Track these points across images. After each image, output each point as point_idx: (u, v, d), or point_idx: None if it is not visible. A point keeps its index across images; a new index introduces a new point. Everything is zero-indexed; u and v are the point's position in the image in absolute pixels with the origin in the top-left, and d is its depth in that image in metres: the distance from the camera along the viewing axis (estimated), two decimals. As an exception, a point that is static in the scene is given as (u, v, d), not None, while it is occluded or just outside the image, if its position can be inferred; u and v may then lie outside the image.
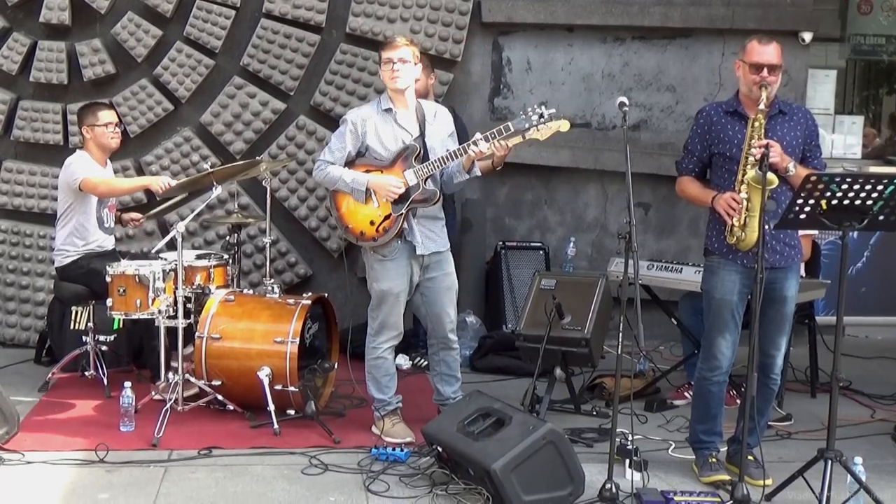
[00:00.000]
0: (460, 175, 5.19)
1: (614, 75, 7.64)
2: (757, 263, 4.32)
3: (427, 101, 5.45)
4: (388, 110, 5.22)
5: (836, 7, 8.28)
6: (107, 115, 6.13)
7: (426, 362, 6.62)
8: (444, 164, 5.12)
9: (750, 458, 4.70)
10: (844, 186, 4.12)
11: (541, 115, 5.03)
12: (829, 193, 4.14)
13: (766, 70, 4.53)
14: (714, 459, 4.83)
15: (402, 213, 5.12)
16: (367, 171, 5.17)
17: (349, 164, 5.22)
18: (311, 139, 7.19)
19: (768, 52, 4.57)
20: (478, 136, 5.04)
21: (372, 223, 5.16)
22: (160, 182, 5.96)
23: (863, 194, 4.15)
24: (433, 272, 5.30)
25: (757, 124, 4.50)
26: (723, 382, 4.79)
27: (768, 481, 4.54)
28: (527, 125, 5.06)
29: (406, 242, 5.19)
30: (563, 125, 5.12)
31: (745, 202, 4.48)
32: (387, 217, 5.13)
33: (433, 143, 5.23)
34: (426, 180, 5.14)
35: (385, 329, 5.29)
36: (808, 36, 7.62)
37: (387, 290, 5.21)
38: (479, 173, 5.25)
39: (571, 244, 7.37)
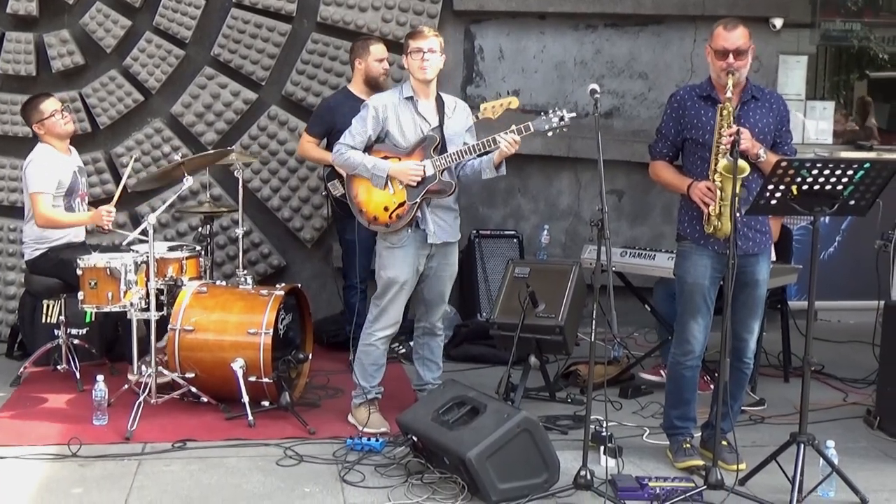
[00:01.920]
0: (490, 171, 5.20)
1: (587, 63, 7.64)
2: (728, 249, 4.34)
3: (447, 94, 5.41)
4: (410, 98, 5.20)
5: (806, -7, 8.33)
6: (49, 105, 6.05)
7: (403, 350, 6.62)
8: (462, 157, 5.13)
9: (724, 442, 4.73)
10: (815, 172, 4.15)
11: (561, 118, 5.03)
12: (799, 179, 4.17)
13: (731, 56, 4.52)
14: (688, 445, 4.85)
15: (416, 202, 5.12)
16: (386, 158, 5.16)
17: (367, 149, 5.20)
18: (283, 129, 7.16)
19: (734, 37, 4.55)
20: (508, 131, 5.01)
21: (386, 209, 5.15)
22: (103, 216, 5.88)
23: (833, 179, 4.18)
24: (438, 260, 5.32)
25: (725, 112, 4.48)
26: (696, 367, 4.82)
27: (742, 466, 4.58)
28: (546, 126, 5.06)
29: (417, 231, 5.19)
30: (513, 102, 5.44)
31: (719, 192, 4.49)
32: (401, 204, 5.13)
33: (451, 135, 5.24)
34: (443, 172, 5.14)
35: (384, 317, 5.27)
36: (778, 22, 7.65)
37: (392, 278, 5.20)
38: (504, 172, 5.25)
39: (545, 232, 7.37)
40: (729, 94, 4.49)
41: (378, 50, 6.32)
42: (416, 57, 5.12)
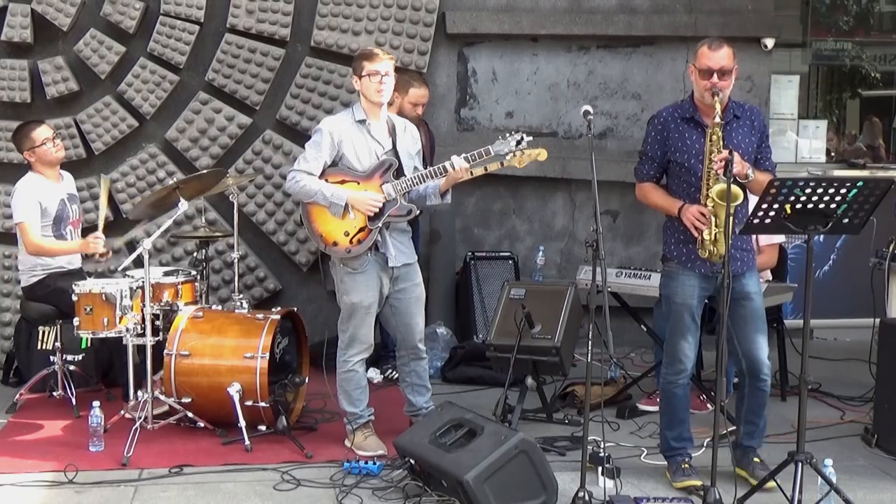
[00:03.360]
0: (435, 197, 5.23)
1: (580, 84, 7.67)
2: (715, 270, 4.44)
3: (395, 116, 5.42)
4: (363, 121, 5.18)
5: (797, 13, 8.36)
6: (42, 133, 6.05)
7: (396, 374, 6.60)
8: (423, 180, 5.13)
9: (757, 459, 4.73)
10: (808, 190, 4.16)
11: (518, 142, 5.07)
12: (793, 198, 4.18)
13: (716, 75, 4.52)
14: (686, 465, 4.84)
15: (378, 227, 5.12)
16: (343, 182, 5.13)
17: (322, 173, 5.18)
18: (278, 153, 7.17)
19: (718, 56, 4.55)
20: (455, 157, 5.06)
21: (346, 234, 5.13)
22: (94, 246, 5.90)
23: (826, 198, 4.19)
24: (403, 283, 5.30)
25: (715, 137, 4.50)
26: (687, 385, 4.82)
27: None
28: (505, 150, 5.09)
29: (377, 254, 5.19)
30: (542, 154, 5.18)
31: (713, 217, 4.51)
32: (361, 229, 5.12)
33: (403, 157, 5.23)
34: (404, 195, 5.14)
35: (355, 342, 5.27)
36: (770, 42, 7.69)
37: (357, 303, 5.19)
38: (449, 200, 5.28)
39: (540, 253, 7.38)
40: (718, 119, 4.50)
41: (415, 95, 6.28)
42: (374, 80, 5.09)
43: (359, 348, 5.28)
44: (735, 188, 4.34)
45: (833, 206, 4.21)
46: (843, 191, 4.18)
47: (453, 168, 5.05)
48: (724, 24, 7.59)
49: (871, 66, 9.73)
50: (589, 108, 4.59)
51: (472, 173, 5.11)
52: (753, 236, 4.77)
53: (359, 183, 5.13)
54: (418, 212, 5.25)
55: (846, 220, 4.30)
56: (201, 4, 7.01)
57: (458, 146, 6.87)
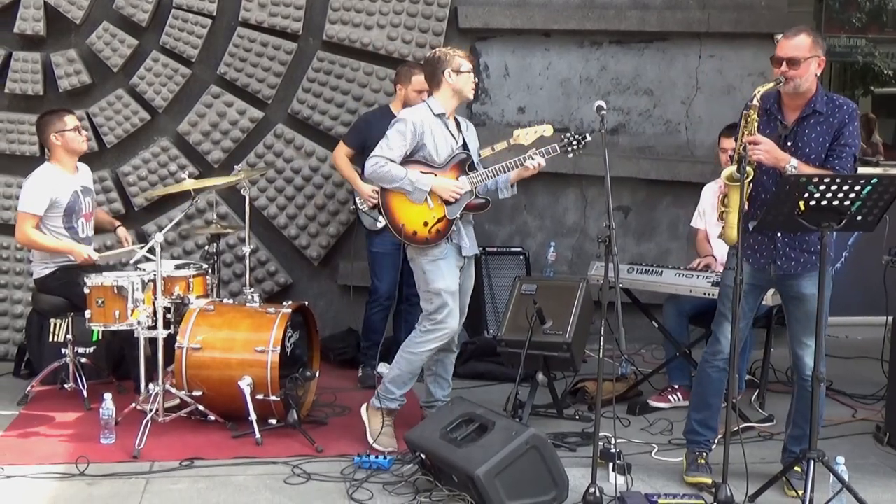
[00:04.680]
0: (506, 190, 5.33)
1: (592, 79, 7.66)
2: (767, 266, 4.51)
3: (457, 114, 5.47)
4: (442, 115, 5.22)
5: (810, 9, 8.32)
6: (73, 120, 6.08)
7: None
8: (497, 174, 5.21)
9: (797, 469, 4.63)
10: (822, 187, 4.14)
11: (580, 140, 5.30)
12: (806, 194, 4.16)
13: (784, 64, 4.43)
14: (703, 461, 4.83)
15: (456, 217, 5.17)
16: (422, 173, 5.17)
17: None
18: (290, 147, 7.17)
19: (789, 45, 4.45)
20: (533, 151, 5.19)
21: (426, 224, 5.15)
22: (83, 253, 5.91)
23: (840, 195, 4.16)
24: (464, 274, 5.36)
25: (749, 119, 4.43)
26: (723, 369, 4.74)
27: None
28: (569, 150, 5.30)
29: (452, 244, 5.22)
30: (548, 129, 5.49)
31: (723, 197, 4.51)
32: (440, 219, 5.16)
33: (472, 152, 5.32)
34: (480, 188, 5.23)
35: (439, 329, 5.20)
36: (805, 26, 7.64)
37: (444, 288, 5.18)
38: (516, 190, 5.39)
39: (551, 249, 7.38)
40: (755, 102, 4.41)
41: (418, 81, 6.23)
42: (472, 77, 5.22)
43: (440, 335, 5.22)
44: (749, 168, 4.32)
45: (847, 203, 4.19)
46: (857, 188, 4.15)
47: (532, 167, 5.17)
48: (737, 20, 7.57)
49: (884, 62, 9.69)
50: (602, 103, 4.59)
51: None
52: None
53: (436, 174, 5.18)
54: (490, 205, 5.33)
55: (860, 218, 4.28)
56: (214, -2, 7.02)
57: (469, 141, 6.87)
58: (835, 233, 4.43)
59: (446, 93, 5.21)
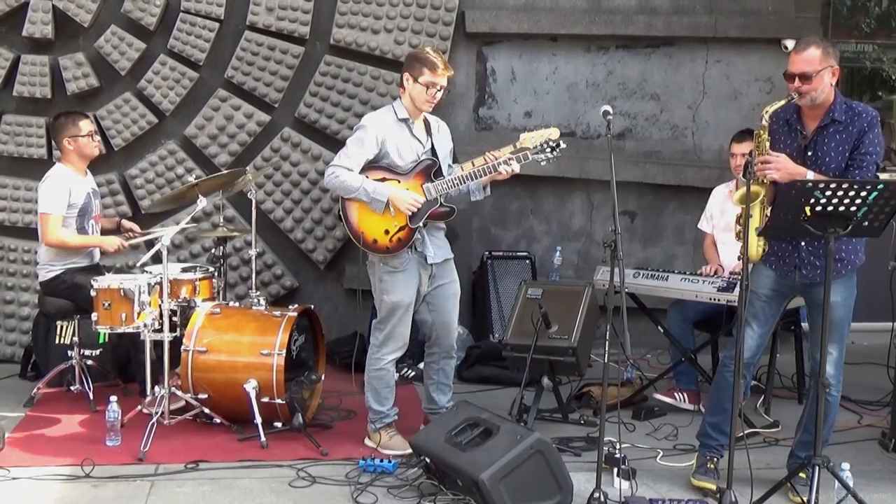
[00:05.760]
0: (478, 193, 5.25)
1: (598, 84, 7.66)
2: (790, 273, 4.56)
3: (428, 114, 5.36)
4: (405, 120, 5.17)
5: (818, 14, 8.31)
6: (87, 125, 6.10)
7: (413, 373, 6.64)
8: (463, 182, 5.12)
9: (802, 475, 4.64)
10: (828, 193, 4.13)
11: (553, 148, 5.12)
12: (812, 200, 4.15)
13: (797, 80, 4.45)
14: (712, 465, 4.84)
15: (418, 227, 5.10)
16: (384, 180, 5.10)
17: (362, 170, 5.13)
18: (296, 151, 7.18)
19: (798, 60, 4.46)
20: (508, 155, 5.07)
21: (386, 232, 5.09)
22: (113, 243, 5.98)
23: (846, 200, 4.15)
24: (440, 280, 5.30)
25: (759, 140, 4.48)
26: (741, 375, 4.77)
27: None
28: (542, 157, 5.13)
29: (415, 253, 5.17)
30: (554, 132, 5.19)
31: (736, 216, 4.53)
32: (402, 228, 5.09)
33: (440, 155, 5.24)
34: (444, 196, 5.13)
35: (391, 341, 5.24)
36: (790, 43, 7.63)
37: (397, 302, 5.16)
38: (489, 192, 5.31)
39: (557, 253, 7.38)
40: (765, 122, 4.48)
41: None
42: (431, 91, 5.09)
43: (394, 346, 5.25)
44: (756, 187, 4.33)
45: (853, 208, 4.18)
46: (863, 193, 4.14)
47: (506, 171, 5.07)
48: (744, 26, 7.57)
49: (893, 68, 9.65)
50: (608, 108, 4.58)
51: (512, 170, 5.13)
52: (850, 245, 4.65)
53: (399, 181, 5.11)
54: (455, 213, 5.24)
55: (866, 223, 4.26)
56: (221, 2, 7.02)
57: (476, 146, 6.88)
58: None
59: (406, 97, 5.16)
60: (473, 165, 5.13)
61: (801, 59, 4.46)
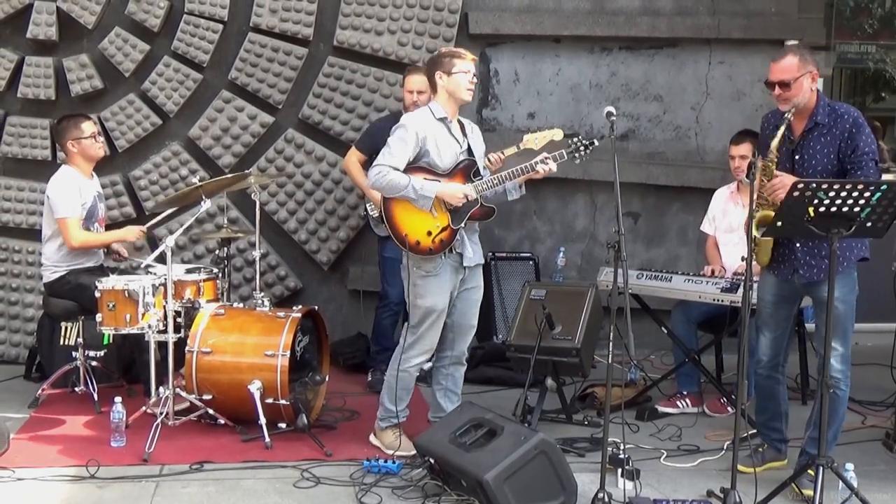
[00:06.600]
0: (515, 192, 5.24)
1: (602, 85, 7.66)
2: (790, 276, 4.66)
3: (461, 116, 5.35)
4: (443, 119, 5.13)
5: (821, 16, 8.32)
6: (90, 127, 6.10)
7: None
8: (503, 181, 5.10)
9: (810, 472, 4.61)
10: (832, 194, 4.14)
11: (587, 146, 5.22)
12: (816, 201, 4.16)
13: (777, 87, 4.52)
14: (761, 450, 5.04)
15: (461, 227, 5.08)
16: (426, 180, 5.03)
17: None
18: (300, 152, 7.19)
19: (776, 68, 4.57)
20: (545, 155, 5.09)
21: (429, 233, 5.04)
22: (133, 234, 6.03)
23: (850, 201, 4.16)
24: (469, 284, 5.26)
25: (767, 170, 4.54)
26: (766, 376, 4.98)
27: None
28: (577, 155, 5.22)
29: (450, 255, 5.12)
30: (557, 134, 5.34)
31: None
32: (444, 229, 5.06)
33: (476, 156, 5.22)
34: (483, 196, 5.12)
35: (421, 344, 5.18)
36: (793, 44, 7.65)
37: (430, 307, 5.11)
38: (524, 191, 5.31)
39: (561, 254, 7.38)
40: (773, 156, 4.54)
41: (411, 81, 6.20)
42: (466, 78, 5.06)
43: (420, 350, 5.20)
44: (767, 212, 4.47)
45: (857, 209, 4.19)
46: (866, 194, 4.15)
47: (543, 170, 5.08)
48: (747, 27, 7.58)
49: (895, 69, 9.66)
50: (612, 109, 4.60)
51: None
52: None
53: (440, 181, 5.06)
54: (495, 213, 5.23)
55: (869, 224, 4.27)
56: (225, 3, 7.03)
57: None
58: None
59: (442, 96, 5.13)
60: (502, 154, 5.29)
61: (779, 68, 4.57)
